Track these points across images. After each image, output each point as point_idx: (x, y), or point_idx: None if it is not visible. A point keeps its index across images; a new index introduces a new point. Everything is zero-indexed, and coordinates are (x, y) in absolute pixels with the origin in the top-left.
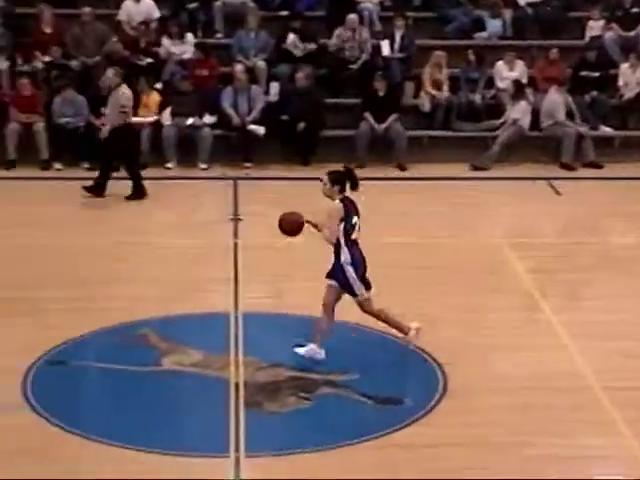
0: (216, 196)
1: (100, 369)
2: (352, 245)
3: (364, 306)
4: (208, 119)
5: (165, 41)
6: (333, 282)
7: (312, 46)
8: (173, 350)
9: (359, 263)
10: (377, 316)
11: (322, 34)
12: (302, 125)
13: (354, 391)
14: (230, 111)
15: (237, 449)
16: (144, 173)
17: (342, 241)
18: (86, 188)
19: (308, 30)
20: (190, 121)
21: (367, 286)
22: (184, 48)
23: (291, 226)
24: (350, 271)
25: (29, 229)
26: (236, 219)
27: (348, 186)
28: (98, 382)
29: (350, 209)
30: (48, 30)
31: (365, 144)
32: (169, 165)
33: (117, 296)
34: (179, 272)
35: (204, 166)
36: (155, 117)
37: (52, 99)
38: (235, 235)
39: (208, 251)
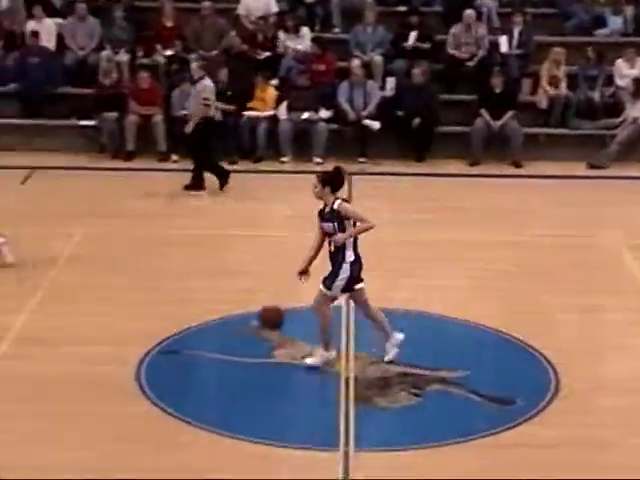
0: None
1: (213, 359)
2: (356, 247)
3: (322, 299)
4: (324, 113)
5: (281, 35)
6: (360, 285)
7: (426, 45)
8: (285, 343)
9: (357, 267)
10: (323, 317)
11: (439, 30)
12: (417, 121)
13: (465, 388)
14: (346, 106)
15: (347, 444)
16: (259, 167)
17: (349, 241)
18: (186, 187)
19: (425, 26)
20: (306, 115)
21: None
22: (300, 42)
23: (272, 320)
24: (345, 270)
25: (146, 220)
26: None
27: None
28: (211, 372)
29: None
30: (169, 24)
31: (480, 140)
32: (284, 159)
33: (229, 288)
34: (291, 265)
35: (319, 160)
36: (271, 111)
37: (171, 92)
38: None
39: None
